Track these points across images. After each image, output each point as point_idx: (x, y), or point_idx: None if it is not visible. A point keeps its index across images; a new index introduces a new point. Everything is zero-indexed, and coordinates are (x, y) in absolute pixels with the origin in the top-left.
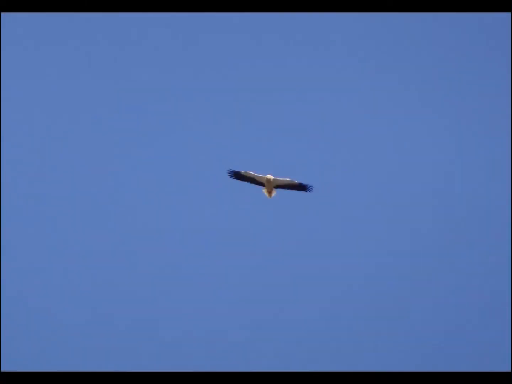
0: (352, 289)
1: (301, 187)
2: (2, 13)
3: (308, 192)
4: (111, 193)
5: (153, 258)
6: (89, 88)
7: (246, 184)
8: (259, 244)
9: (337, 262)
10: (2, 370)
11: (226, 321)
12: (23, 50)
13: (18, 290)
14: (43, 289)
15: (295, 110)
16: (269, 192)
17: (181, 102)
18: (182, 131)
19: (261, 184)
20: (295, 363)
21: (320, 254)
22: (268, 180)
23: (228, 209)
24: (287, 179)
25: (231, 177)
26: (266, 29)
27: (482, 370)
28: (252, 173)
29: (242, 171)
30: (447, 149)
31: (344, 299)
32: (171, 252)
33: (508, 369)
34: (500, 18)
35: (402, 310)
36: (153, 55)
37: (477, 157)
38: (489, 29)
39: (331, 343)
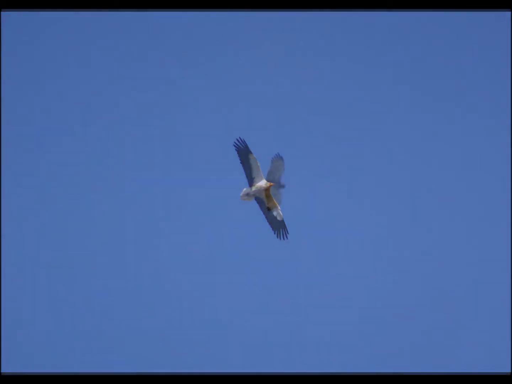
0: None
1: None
2: (2, 12)
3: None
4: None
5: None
6: (89, 88)
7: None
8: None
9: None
10: (2, 371)
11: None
12: (23, 49)
13: (18, 291)
14: (44, 289)
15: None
16: (251, 197)
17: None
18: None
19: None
20: (295, 365)
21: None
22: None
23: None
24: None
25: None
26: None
27: (482, 371)
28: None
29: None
30: (447, 154)
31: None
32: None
33: (508, 371)
34: (500, 17)
35: (401, 309)
36: (153, 54)
37: (478, 157)
38: (488, 28)
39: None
